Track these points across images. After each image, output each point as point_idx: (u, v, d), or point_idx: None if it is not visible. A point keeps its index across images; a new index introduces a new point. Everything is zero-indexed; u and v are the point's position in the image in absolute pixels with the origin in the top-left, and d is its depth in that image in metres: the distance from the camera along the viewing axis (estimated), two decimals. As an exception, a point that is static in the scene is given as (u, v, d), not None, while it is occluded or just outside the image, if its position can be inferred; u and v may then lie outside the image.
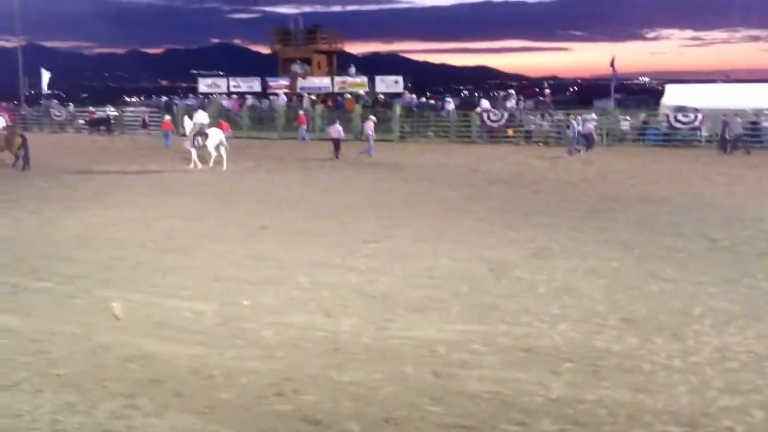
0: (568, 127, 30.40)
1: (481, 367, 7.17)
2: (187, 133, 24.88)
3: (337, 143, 27.94)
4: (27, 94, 47.29)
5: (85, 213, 15.85)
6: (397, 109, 35.79)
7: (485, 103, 36.93)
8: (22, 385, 6.77)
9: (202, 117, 25.25)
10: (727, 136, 28.15)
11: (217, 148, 23.99)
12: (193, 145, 24.14)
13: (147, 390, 6.61)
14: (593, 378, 6.86)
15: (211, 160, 23.86)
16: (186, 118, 26.26)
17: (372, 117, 30.26)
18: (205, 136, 24.05)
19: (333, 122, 30.05)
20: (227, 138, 29.94)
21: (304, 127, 35.61)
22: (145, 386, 6.70)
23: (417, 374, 6.98)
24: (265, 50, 58.28)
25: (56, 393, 6.58)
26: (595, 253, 11.96)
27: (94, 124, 40.97)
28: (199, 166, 23.80)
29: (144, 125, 40.65)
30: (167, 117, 34.84)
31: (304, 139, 35.08)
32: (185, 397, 6.49)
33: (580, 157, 26.85)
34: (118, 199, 17.87)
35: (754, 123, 30.28)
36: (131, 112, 44.86)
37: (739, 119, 28.53)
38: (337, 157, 27.49)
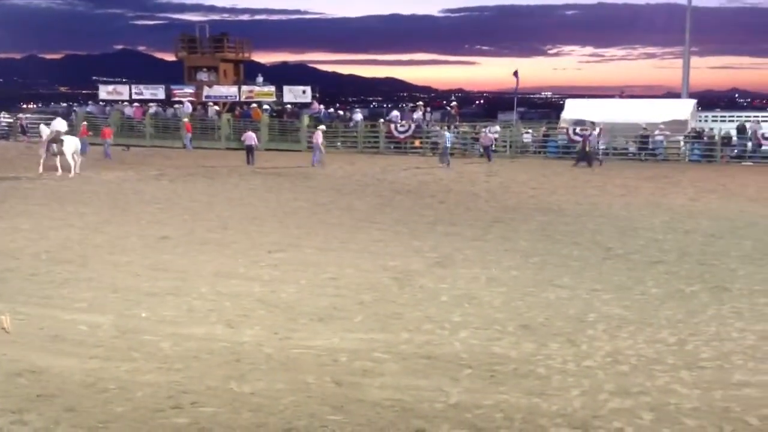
0: (437, 137, 31.20)
1: (382, 375, 7.21)
2: (43, 139, 24.92)
3: (250, 150, 28.81)
4: None
5: (-26, 223, 15.14)
6: (305, 120, 35.73)
7: (395, 114, 37.29)
8: None
9: (59, 124, 25.32)
10: (587, 149, 29.27)
11: (73, 154, 24.13)
12: (47, 151, 24.17)
13: (36, 405, 6.35)
14: (491, 383, 7.00)
15: (75, 166, 24.00)
16: (42, 125, 26.51)
17: (321, 126, 30.39)
18: (61, 142, 24.10)
19: (245, 130, 31.00)
20: (109, 145, 30.54)
21: (189, 135, 35.34)
22: (35, 401, 6.44)
23: (318, 383, 6.96)
24: (170, 57, 56.98)
25: (-63, 411, 6.25)
26: (497, 261, 12.23)
27: None
28: (59, 172, 23.72)
29: (23, 131, 39.37)
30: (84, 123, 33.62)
31: (186, 146, 34.75)
32: (77, 411, 6.26)
33: (448, 169, 27.11)
34: (11, 208, 17.14)
35: (644, 137, 31.67)
36: (26, 119, 43.17)
37: (595, 133, 29.89)
38: (249, 163, 28.31)
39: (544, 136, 34.57)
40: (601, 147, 31.76)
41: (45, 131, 25.05)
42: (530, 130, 34.77)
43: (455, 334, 8.46)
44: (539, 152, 33.40)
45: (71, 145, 24.22)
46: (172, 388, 6.78)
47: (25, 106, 56.11)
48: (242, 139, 30.10)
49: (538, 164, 29.83)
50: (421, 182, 23.68)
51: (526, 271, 11.63)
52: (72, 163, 23.92)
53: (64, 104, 47.32)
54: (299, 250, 13.05)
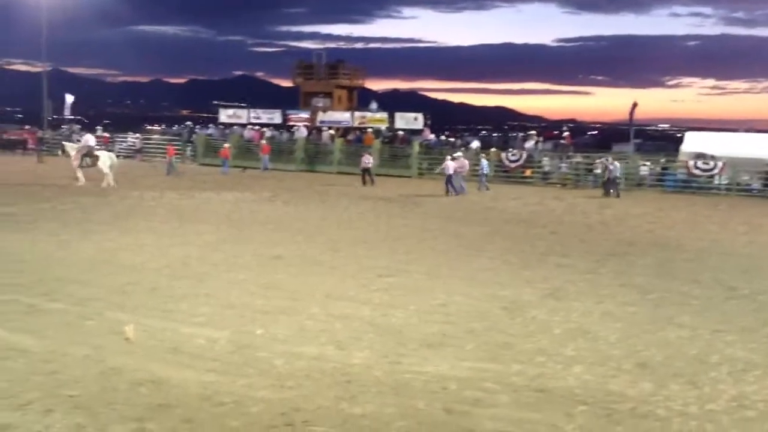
0: (477, 164, 30.90)
1: (494, 405, 7.08)
2: (72, 154, 27.19)
3: (366, 171, 31.12)
4: (50, 118, 47.70)
5: (101, 237, 15.93)
6: (416, 146, 35.97)
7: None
8: (34, 405, 6.76)
9: (89, 140, 28.48)
10: (608, 178, 28.61)
11: (110, 167, 26.40)
12: (81, 165, 26.56)
13: (156, 415, 6.58)
14: (607, 422, 6.76)
15: (106, 179, 26.05)
16: (66, 142, 30.08)
17: (453, 154, 30.49)
18: (96, 158, 26.58)
19: (356, 154, 34.00)
20: (176, 161, 34.15)
21: (267, 156, 36.41)
22: (155, 411, 6.67)
23: (428, 410, 6.91)
24: (286, 83, 58.88)
25: (67, 414, 6.56)
26: (612, 296, 11.86)
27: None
28: (83, 181, 26.14)
29: (139, 150, 42.19)
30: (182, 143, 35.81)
31: (266, 168, 35.73)
32: (195, 423, 6.44)
33: (488, 193, 28.36)
34: (135, 224, 17.96)
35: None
36: (154, 139, 45.46)
37: (617, 164, 29.59)
38: (364, 184, 30.53)
39: (663, 169, 33.50)
40: (724, 182, 30.55)
41: (72, 147, 27.62)
42: (648, 163, 33.72)
43: (569, 369, 8.23)
44: (656, 185, 32.36)
45: (106, 158, 26.53)
46: (284, 406, 6.87)
47: (149, 127, 58.77)
48: (361, 160, 32.14)
49: (654, 198, 28.90)
50: (531, 212, 23.34)
51: (642, 307, 11.21)
52: (108, 175, 26.05)
53: (188, 124, 49.11)
54: (408, 275, 13.06)
